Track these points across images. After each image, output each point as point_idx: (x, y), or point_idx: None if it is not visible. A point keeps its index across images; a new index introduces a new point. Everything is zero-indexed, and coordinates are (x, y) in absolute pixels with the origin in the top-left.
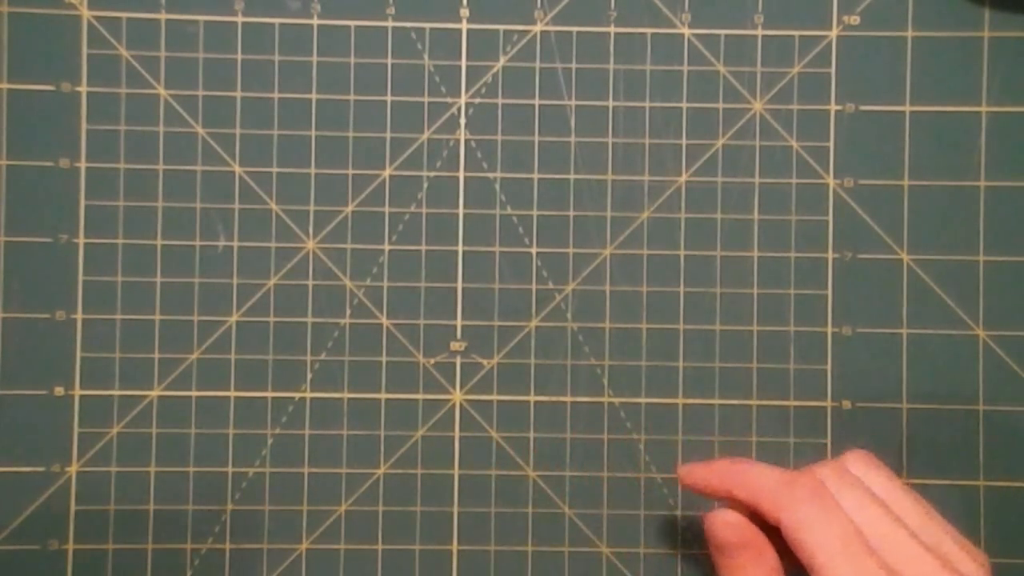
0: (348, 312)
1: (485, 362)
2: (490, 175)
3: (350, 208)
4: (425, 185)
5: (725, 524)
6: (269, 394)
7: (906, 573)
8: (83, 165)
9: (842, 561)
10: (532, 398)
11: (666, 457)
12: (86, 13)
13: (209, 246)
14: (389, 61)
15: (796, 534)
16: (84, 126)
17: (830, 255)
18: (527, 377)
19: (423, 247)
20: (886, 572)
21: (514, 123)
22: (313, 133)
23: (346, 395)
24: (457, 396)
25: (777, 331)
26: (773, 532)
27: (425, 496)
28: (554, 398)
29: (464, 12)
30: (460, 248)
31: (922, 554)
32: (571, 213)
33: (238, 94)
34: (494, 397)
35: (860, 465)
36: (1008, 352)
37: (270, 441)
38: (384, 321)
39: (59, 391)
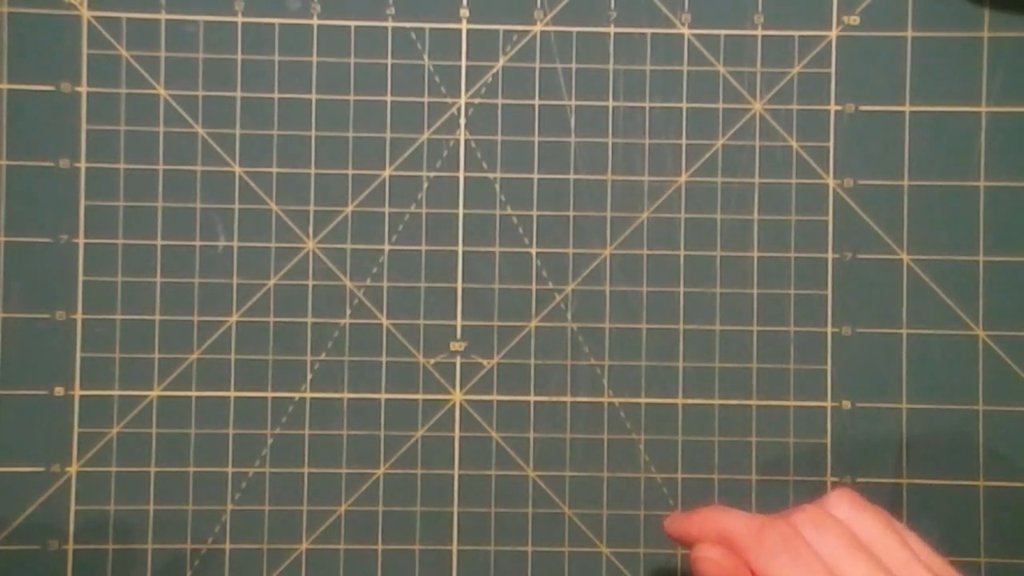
0: (348, 312)
1: (485, 362)
2: (490, 175)
3: (350, 208)
4: (425, 185)
5: (707, 559)
6: (269, 394)
7: None
8: (83, 165)
9: None
10: (532, 398)
11: (666, 457)
12: (86, 13)
13: (209, 246)
14: (389, 61)
15: None
16: (84, 126)
17: (830, 255)
18: (527, 377)
19: (423, 247)
20: None
21: (514, 123)
22: (313, 133)
23: (346, 395)
24: (457, 396)
25: (777, 331)
26: None
27: (425, 496)
28: (554, 398)
29: (464, 12)
30: (460, 248)
31: None
32: (571, 213)
33: (238, 94)
34: (494, 397)
35: (844, 506)
36: (1008, 352)
37: (270, 441)
38: (384, 321)
39: (59, 391)
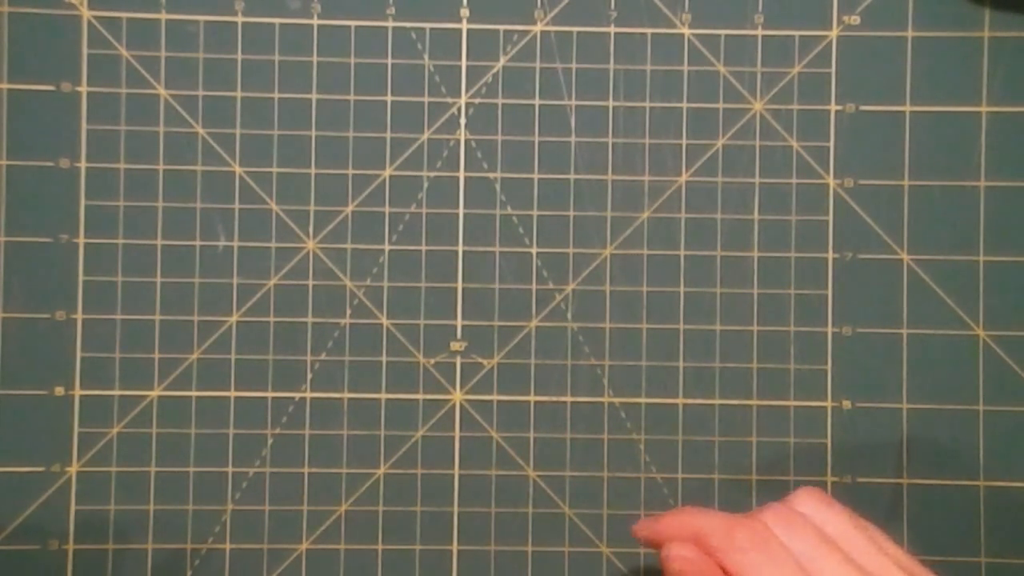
0: (348, 312)
1: (485, 362)
2: (490, 175)
3: (350, 208)
4: (425, 185)
5: (679, 558)
6: (269, 394)
7: None
8: (83, 165)
9: None
10: (532, 398)
11: (666, 457)
12: (86, 13)
13: (209, 246)
14: (389, 61)
15: None
16: (84, 126)
17: (830, 255)
18: (527, 377)
19: (423, 247)
20: None
21: (514, 123)
22: (313, 133)
23: (346, 395)
24: (457, 396)
25: (777, 331)
26: None
27: (425, 496)
28: (554, 398)
29: (464, 12)
30: (460, 248)
31: None
32: (571, 213)
33: (238, 94)
34: (494, 397)
35: (810, 504)
36: (1008, 352)
37: (270, 441)
38: (384, 321)
39: (59, 391)
